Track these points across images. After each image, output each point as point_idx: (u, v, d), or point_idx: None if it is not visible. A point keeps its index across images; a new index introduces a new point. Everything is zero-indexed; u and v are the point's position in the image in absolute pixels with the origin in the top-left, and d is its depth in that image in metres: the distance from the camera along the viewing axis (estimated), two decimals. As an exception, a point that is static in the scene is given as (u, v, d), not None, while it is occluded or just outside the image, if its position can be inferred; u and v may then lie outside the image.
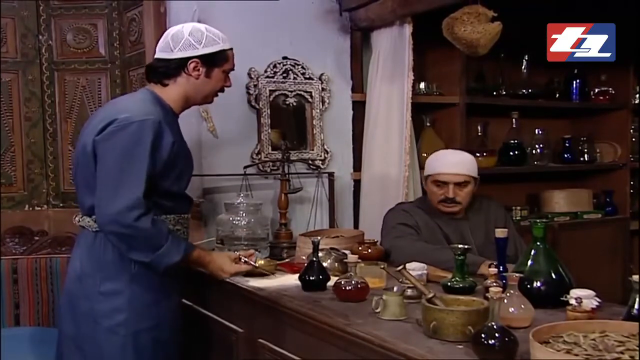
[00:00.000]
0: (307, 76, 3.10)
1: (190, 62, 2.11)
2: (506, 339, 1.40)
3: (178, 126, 2.18)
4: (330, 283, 2.08)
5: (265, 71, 3.01)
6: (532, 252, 1.91)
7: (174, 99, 2.14)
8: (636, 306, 1.52)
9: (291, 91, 3.07)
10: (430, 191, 2.61)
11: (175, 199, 2.13)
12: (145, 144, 1.94)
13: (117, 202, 1.90)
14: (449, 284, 2.01)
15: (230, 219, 2.66)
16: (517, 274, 1.72)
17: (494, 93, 3.70)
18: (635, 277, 1.53)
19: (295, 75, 3.07)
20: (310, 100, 3.11)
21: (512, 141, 3.68)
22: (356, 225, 3.21)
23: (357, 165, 3.23)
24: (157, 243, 1.96)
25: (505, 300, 1.64)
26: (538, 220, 1.96)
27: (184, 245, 2.05)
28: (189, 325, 2.57)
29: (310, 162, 3.10)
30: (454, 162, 2.56)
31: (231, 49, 2.19)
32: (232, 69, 2.22)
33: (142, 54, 2.96)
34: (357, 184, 3.23)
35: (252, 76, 2.98)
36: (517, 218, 3.69)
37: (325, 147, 3.15)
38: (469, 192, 2.57)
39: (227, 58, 2.18)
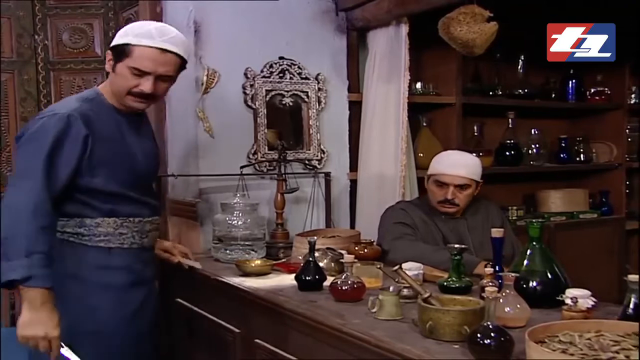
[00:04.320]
0: (304, 76, 3.09)
1: (107, 52, 2.03)
2: (502, 338, 1.41)
3: (119, 123, 2.04)
4: (327, 283, 2.08)
5: (262, 71, 3.00)
6: (528, 252, 1.92)
7: (108, 93, 2.04)
8: (631, 306, 1.53)
9: (287, 91, 3.07)
10: (431, 190, 2.61)
11: (115, 201, 2.00)
12: (47, 137, 1.86)
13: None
14: (445, 283, 2.02)
15: (227, 219, 2.66)
16: (513, 274, 1.72)
17: (490, 93, 3.70)
18: (630, 277, 1.53)
19: (291, 75, 3.06)
20: (306, 100, 3.11)
21: (508, 141, 3.69)
22: (352, 225, 3.21)
23: (354, 165, 3.23)
24: (20, 251, 1.75)
25: (501, 300, 1.65)
26: (534, 220, 1.97)
27: (31, 273, 1.76)
28: (185, 325, 2.59)
29: (306, 162, 3.10)
30: (457, 165, 2.57)
31: (144, 46, 1.95)
32: (137, 70, 1.96)
33: (138, 54, 2.95)
34: (354, 184, 3.23)
35: (249, 76, 2.97)
36: (514, 218, 3.69)
37: (322, 147, 3.15)
38: (468, 195, 2.57)
39: (129, 53, 1.95)
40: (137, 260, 2.07)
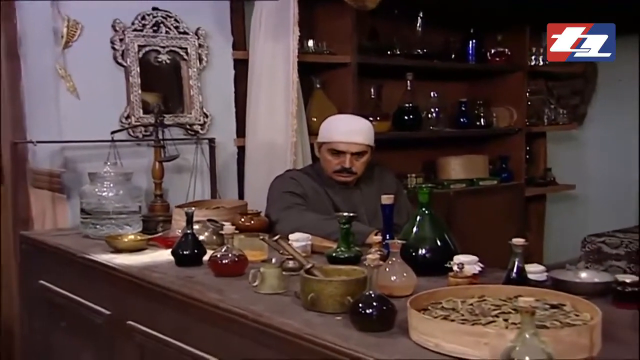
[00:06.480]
0: (182, 30, 3.04)
1: None
2: (384, 307, 1.46)
3: None
4: (207, 257, 2.08)
5: (133, 23, 2.92)
6: (418, 218, 1.99)
7: None
8: (515, 269, 1.63)
9: (163, 47, 3.00)
10: (325, 159, 2.64)
11: None
12: None
13: None
14: (334, 254, 2.06)
15: (96, 190, 2.59)
16: (399, 242, 1.78)
17: (388, 52, 3.77)
18: (514, 240, 1.63)
19: (167, 29, 3.00)
20: (185, 57, 3.06)
21: (406, 105, 3.78)
22: (241, 196, 3.22)
23: (241, 131, 3.22)
24: None
25: (387, 269, 1.71)
26: (423, 185, 2.05)
27: None
28: (50, 310, 2.52)
29: (187, 126, 3.06)
30: (353, 131, 2.60)
31: None
32: None
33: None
34: (241, 150, 3.23)
35: (117, 29, 2.89)
36: (412, 186, 3.79)
37: (205, 110, 3.12)
38: (365, 162, 2.63)
39: None
40: None
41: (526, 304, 1.12)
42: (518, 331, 1.15)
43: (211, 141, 3.11)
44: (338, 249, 2.07)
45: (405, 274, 1.74)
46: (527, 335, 1.12)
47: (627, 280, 1.60)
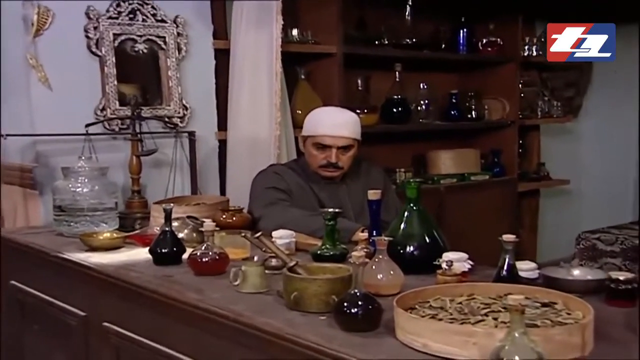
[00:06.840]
0: (159, 18, 3.03)
1: None
2: (369, 306, 1.46)
3: None
4: (187, 255, 2.07)
5: (107, 10, 2.91)
6: (406, 214, 2.00)
7: None
8: (505, 267, 1.64)
9: (140, 36, 2.99)
10: (310, 154, 2.64)
11: None
12: None
13: None
14: (318, 252, 2.07)
15: (70, 186, 2.58)
16: (386, 238, 1.79)
17: (376, 42, 3.77)
18: (504, 237, 1.64)
19: (144, 17, 2.99)
20: (164, 47, 3.05)
21: (395, 96, 3.79)
22: (223, 192, 3.22)
23: (222, 124, 3.22)
24: None
25: (374, 267, 1.71)
26: (411, 180, 2.05)
27: None
28: (22, 311, 2.51)
29: (166, 119, 3.05)
30: (339, 124, 2.61)
31: None
32: None
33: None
34: (223, 144, 3.22)
35: (91, 16, 2.88)
36: (401, 181, 3.79)
37: (184, 102, 3.11)
38: (351, 156, 2.64)
39: None
40: None
41: (515, 302, 1.13)
42: (507, 330, 1.16)
43: (191, 135, 3.10)
44: (323, 247, 2.08)
45: (392, 272, 1.74)
46: (517, 335, 1.13)
47: (621, 278, 1.62)
